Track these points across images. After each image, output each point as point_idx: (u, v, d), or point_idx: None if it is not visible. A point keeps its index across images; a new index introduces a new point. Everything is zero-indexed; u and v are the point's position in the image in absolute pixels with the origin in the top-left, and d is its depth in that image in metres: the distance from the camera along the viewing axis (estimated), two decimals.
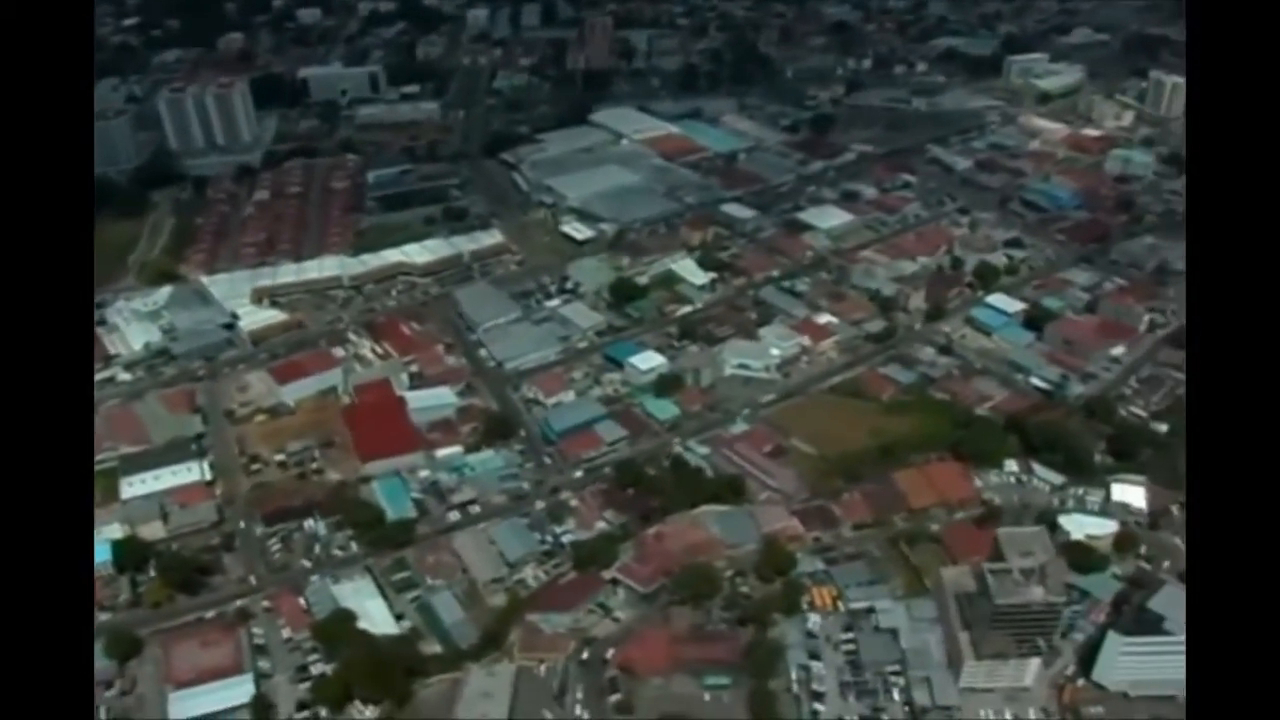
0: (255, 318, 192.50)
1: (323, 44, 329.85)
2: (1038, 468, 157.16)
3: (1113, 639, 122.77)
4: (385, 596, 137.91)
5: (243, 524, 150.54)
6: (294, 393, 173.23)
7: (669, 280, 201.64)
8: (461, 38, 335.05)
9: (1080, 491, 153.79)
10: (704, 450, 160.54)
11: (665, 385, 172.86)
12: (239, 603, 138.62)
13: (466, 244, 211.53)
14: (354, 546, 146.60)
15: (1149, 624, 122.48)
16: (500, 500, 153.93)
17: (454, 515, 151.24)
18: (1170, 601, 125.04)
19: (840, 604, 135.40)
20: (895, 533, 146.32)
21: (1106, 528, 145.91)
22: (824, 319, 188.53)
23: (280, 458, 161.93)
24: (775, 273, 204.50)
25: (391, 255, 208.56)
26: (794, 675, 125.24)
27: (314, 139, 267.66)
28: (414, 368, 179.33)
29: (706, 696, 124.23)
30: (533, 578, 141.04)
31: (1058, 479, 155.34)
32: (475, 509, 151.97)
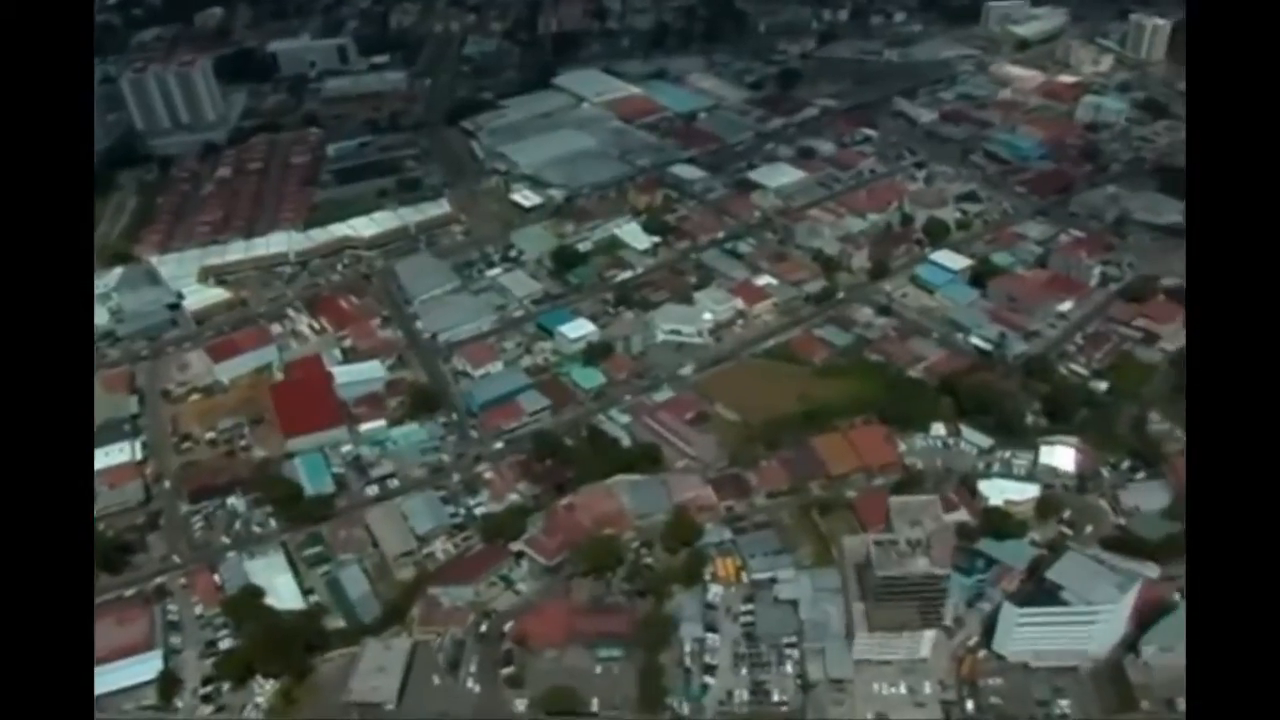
0: (199, 297, 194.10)
1: (299, 16, 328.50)
2: (966, 430, 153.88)
3: (1008, 609, 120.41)
4: (296, 572, 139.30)
5: (169, 503, 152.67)
6: (228, 370, 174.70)
7: (612, 245, 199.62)
8: (436, 4, 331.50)
9: (1008, 454, 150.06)
10: (625, 419, 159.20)
11: (594, 353, 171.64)
12: (157, 580, 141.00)
13: (413, 215, 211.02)
14: (273, 523, 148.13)
15: (1046, 594, 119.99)
16: (420, 474, 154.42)
17: (373, 489, 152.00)
18: (1069, 570, 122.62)
19: (743, 575, 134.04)
20: (809, 501, 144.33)
21: (1027, 492, 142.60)
22: (763, 281, 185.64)
23: (210, 436, 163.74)
24: (720, 235, 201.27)
25: (339, 229, 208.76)
26: (687, 648, 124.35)
27: (281, 114, 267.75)
28: (348, 342, 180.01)
29: (598, 669, 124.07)
30: (441, 551, 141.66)
31: (985, 442, 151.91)
32: (394, 483, 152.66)
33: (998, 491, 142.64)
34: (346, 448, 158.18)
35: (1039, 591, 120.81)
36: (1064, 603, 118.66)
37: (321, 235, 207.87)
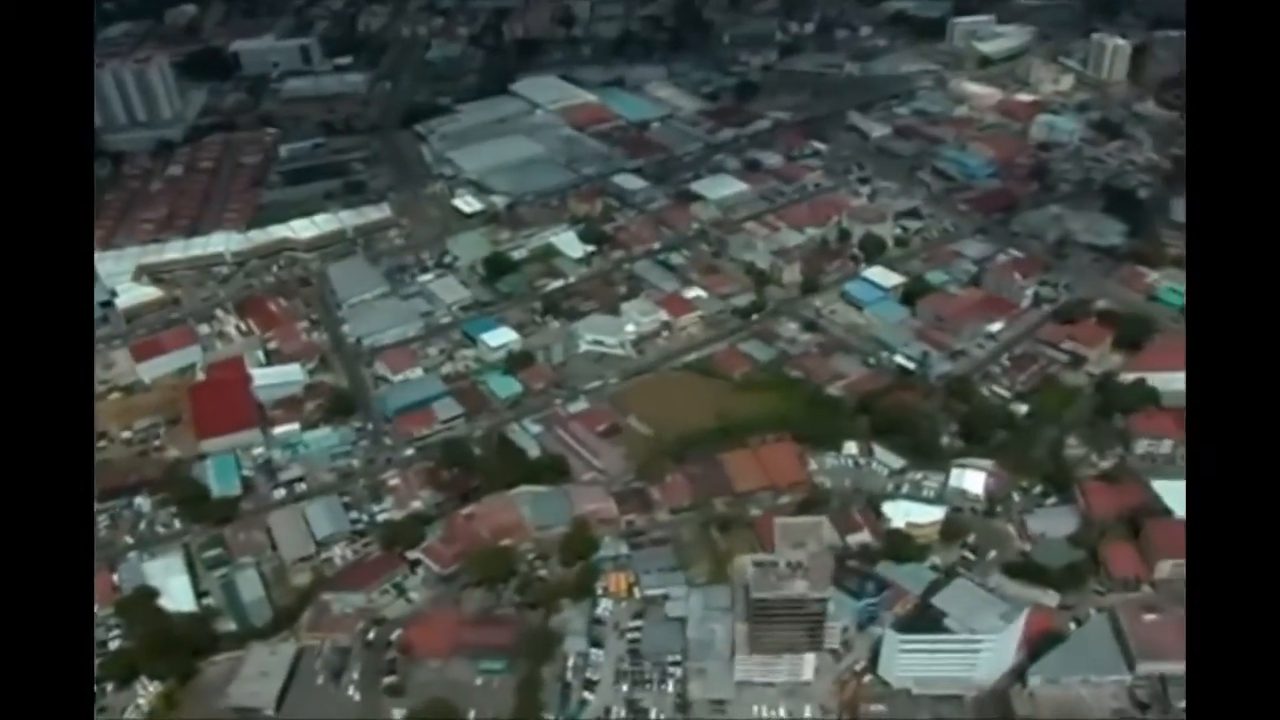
0: (132, 295, 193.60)
1: (271, 15, 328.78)
2: (878, 450, 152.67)
3: (891, 636, 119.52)
4: (193, 574, 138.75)
5: None
6: (151, 370, 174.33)
7: (547, 254, 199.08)
8: (407, 8, 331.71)
9: (919, 476, 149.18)
10: (537, 429, 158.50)
11: (515, 362, 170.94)
12: None
13: (353, 219, 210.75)
14: (176, 524, 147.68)
15: (929, 621, 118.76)
16: (329, 478, 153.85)
17: (280, 493, 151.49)
18: (956, 597, 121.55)
19: (636, 591, 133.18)
20: (710, 517, 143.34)
21: (932, 515, 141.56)
22: (692, 293, 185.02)
23: (126, 435, 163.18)
24: (656, 245, 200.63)
25: (278, 231, 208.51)
26: (570, 662, 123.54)
27: (239, 113, 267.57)
28: (272, 345, 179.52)
29: (479, 681, 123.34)
30: (340, 557, 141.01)
31: (897, 463, 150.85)
32: (302, 487, 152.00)
33: (901, 513, 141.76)
34: (258, 450, 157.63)
35: (922, 618, 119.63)
36: (947, 630, 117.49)
37: (260, 237, 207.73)
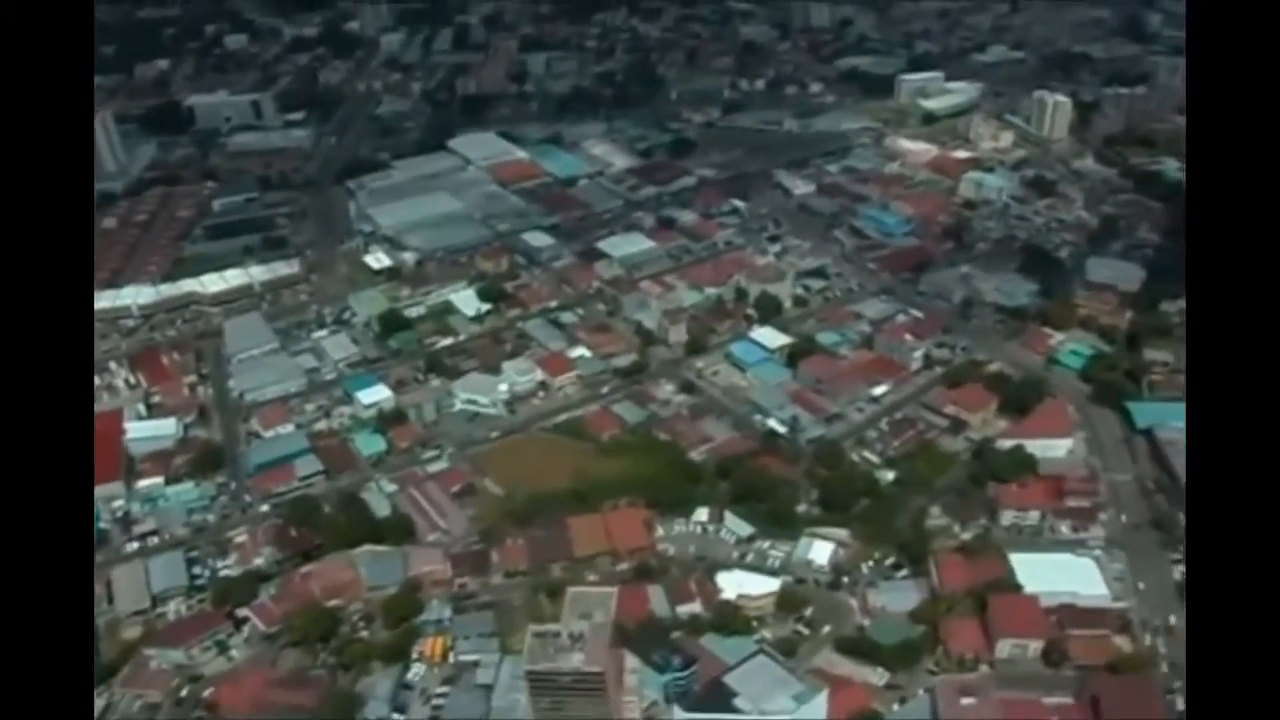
0: None
1: (240, 71, 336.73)
2: (729, 518, 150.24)
3: (678, 712, 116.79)
4: None
5: None
6: None
7: (444, 311, 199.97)
8: (370, 64, 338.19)
9: (766, 545, 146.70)
10: (392, 488, 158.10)
11: (386, 420, 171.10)
12: None
13: (262, 274, 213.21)
14: None
15: (719, 699, 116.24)
16: (183, 533, 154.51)
17: (133, 546, 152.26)
18: (751, 675, 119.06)
19: (451, 655, 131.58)
20: (542, 583, 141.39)
21: (767, 586, 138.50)
22: (576, 352, 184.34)
23: None
24: (553, 303, 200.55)
25: (188, 285, 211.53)
26: None
27: (184, 166, 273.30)
28: (156, 398, 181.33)
29: None
30: (174, 612, 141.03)
31: (746, 530, 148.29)
32: (154, 540, 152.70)
33: (735, 584, 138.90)
34: (118, 503, 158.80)
35: (712, 696, 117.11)
36: (735, 709, 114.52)
37: (170, 290, 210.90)
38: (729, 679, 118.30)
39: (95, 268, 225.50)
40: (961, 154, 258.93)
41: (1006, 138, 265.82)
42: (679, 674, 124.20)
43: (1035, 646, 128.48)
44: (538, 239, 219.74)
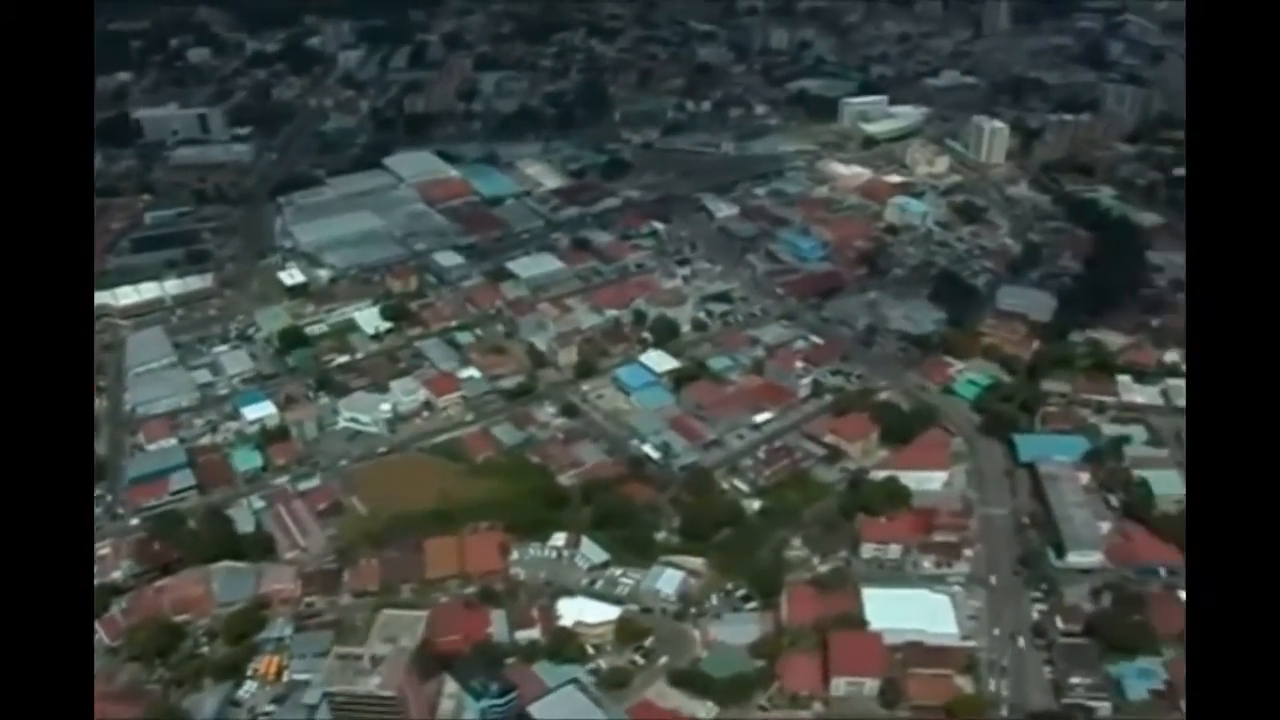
0: None
1: (199, 84, 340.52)
2: (586, 543, 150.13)
3: None
4: None
5: None
6: None
7: (347, 329, 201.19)
8: (325, 81, 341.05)
9: (619, 572, 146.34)
10: (261, 505, 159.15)
11: (268, 437, 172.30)
12: None
13: (176, 287, 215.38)
14: None
15: None
16: None
17: None
18: (556, 706, 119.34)
19: (285, 674, 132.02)
20: (388, 603, 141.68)
21: (606, 615, 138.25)
22: (466, 373, 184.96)
23: None
24: (453, 323, 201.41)
25: (101, 297, 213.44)
26: None
27: (125, 179, 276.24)
28: None
29: None
30: None
31: (601, 557, 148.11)
32: None
33: (574, 611, 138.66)
34: None
35: None
36: None
37: None
38: (534, 709, 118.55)
39: None
40: (894, 179, 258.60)
41: (942, 163, 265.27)
42: (496, 701, 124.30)
43: (872, 685, 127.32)
44: (449, 258, 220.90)
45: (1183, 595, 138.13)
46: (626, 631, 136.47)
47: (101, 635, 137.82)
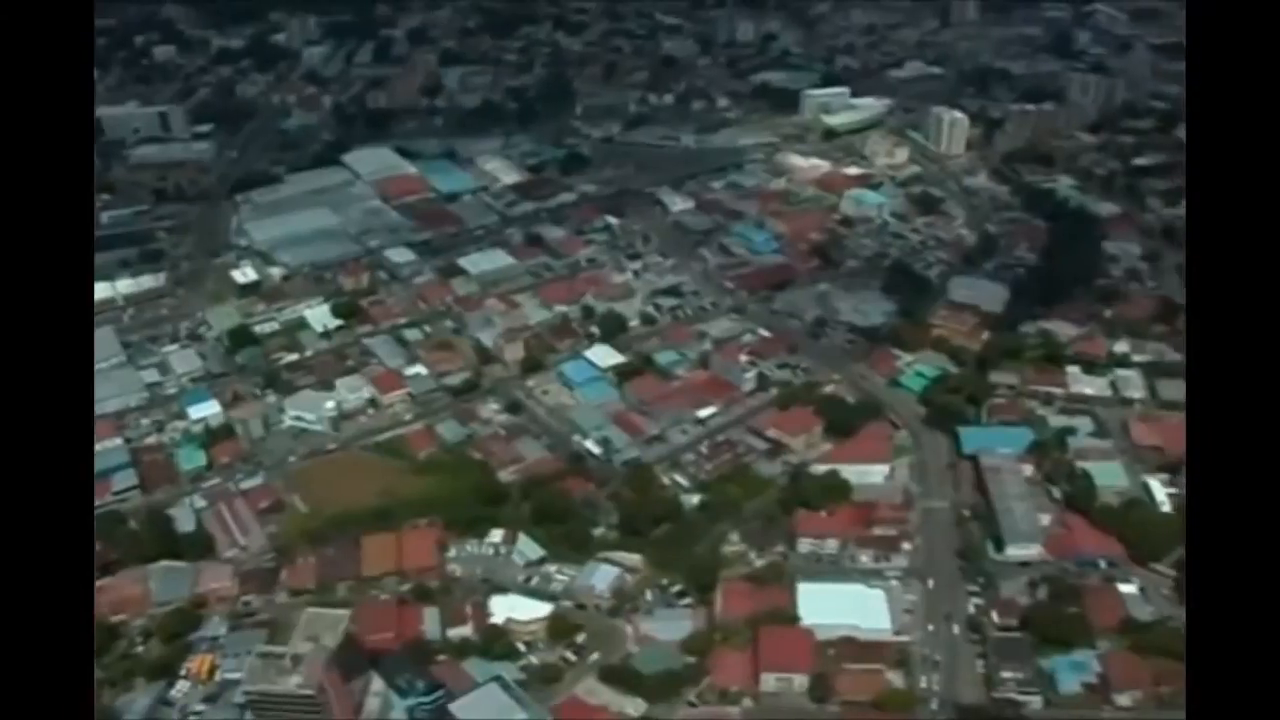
0: None
1: (164, 81, 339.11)
2: (523, 539, 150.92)
3: None
4: None
5: None
6: None
7: (297, 327, 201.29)
8: (290, 77, 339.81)
9: (554, 569, 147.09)
10: (203, 504, 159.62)
11: (213, 436, 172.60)
12: None
13: (128, 287, 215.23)
14: None
15: None
16: None
17: None
18: (480, 704, 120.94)
19: (217, 674, 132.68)
20: (324, 601, 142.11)
21: (537, 611, 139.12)
22: (412, 370, 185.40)
23: None
24: (402, 320, 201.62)
25: None
26: None
27: None
28: None
29: None
30: None
31: (537, 553, 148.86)
32: None
33: (506, 608, 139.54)
34: None
35: None
36: None
37: None
38: (455, 707, 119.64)
39: None
40: (852, 170, 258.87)
41: (901, 154, 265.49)
42: (423, 699, 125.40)
43: (801, 680, 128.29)
44: (401, 255, 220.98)
45: (1121, 588, 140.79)
46: (558, 628, 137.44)
47: None
